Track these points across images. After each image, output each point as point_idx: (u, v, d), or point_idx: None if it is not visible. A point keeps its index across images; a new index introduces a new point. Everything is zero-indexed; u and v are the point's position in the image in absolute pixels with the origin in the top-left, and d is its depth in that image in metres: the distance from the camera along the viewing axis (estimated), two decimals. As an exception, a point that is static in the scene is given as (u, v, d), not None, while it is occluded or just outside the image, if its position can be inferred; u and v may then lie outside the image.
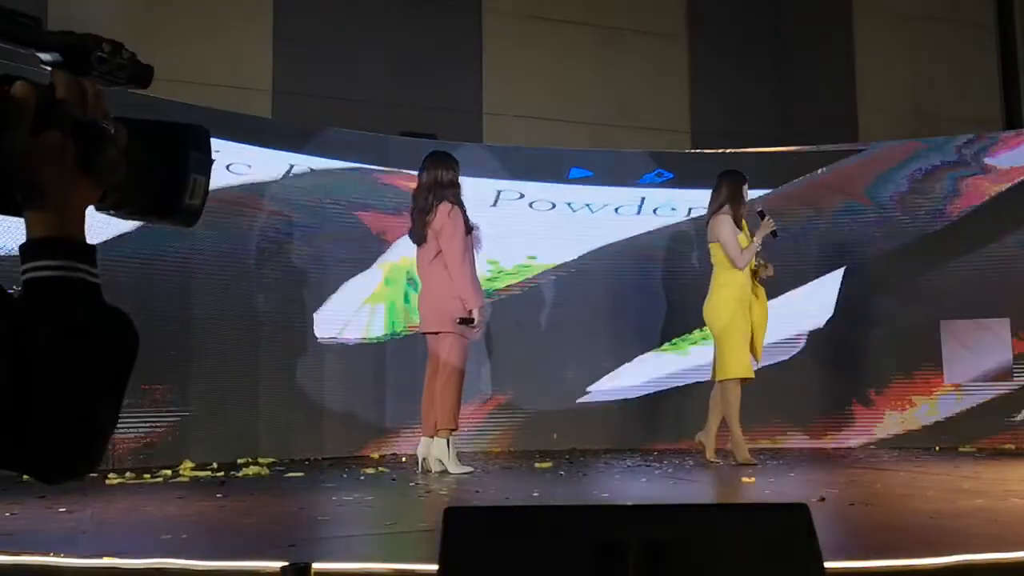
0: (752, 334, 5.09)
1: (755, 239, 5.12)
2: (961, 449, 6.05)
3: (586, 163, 7.36)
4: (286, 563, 1.71)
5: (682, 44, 8.63)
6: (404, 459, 5.79)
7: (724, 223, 5.12)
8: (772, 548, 1.47)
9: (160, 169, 0.93)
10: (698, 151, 7.74)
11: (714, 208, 5.25)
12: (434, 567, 1.55)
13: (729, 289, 5.10)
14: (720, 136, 8.24)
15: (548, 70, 8.28)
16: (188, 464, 5.01)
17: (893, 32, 8.41)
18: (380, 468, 5.15)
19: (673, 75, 8.60)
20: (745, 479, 4.36)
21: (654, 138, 8.21)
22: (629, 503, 1.66)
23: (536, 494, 3.85)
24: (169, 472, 4.78)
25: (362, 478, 4.68)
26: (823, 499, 3.44)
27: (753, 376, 5.08)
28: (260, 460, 5.33)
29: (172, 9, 6.99)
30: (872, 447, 6.31)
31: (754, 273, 5.19)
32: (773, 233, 5.16)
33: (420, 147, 6.55)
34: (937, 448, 6.13)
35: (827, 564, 1.51)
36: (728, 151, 7.27)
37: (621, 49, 8.47)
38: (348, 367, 6.31)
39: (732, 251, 5.08)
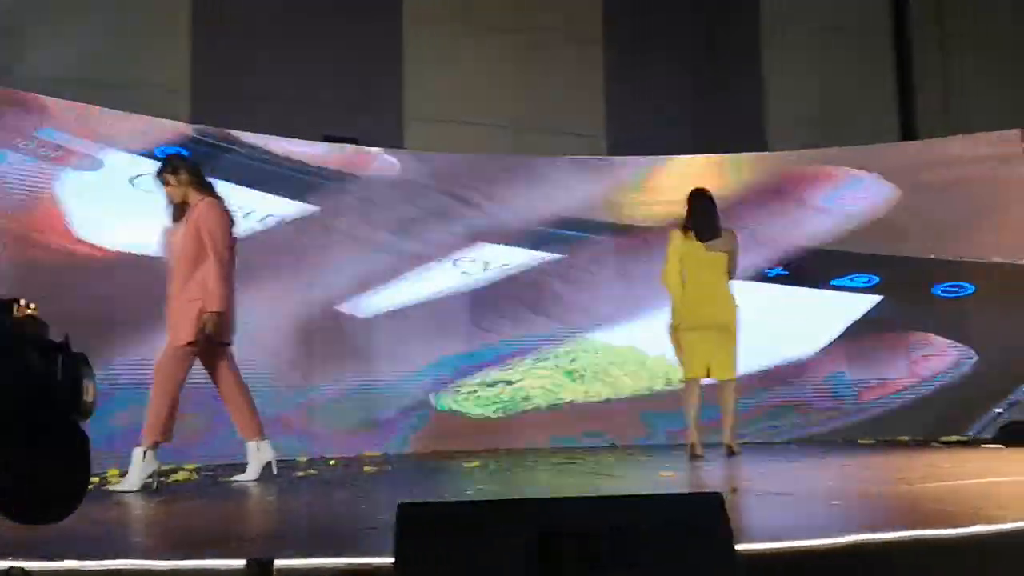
0: None
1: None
2: (860, 441, 6.46)
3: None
4: (249, 559, 1.83)
5: (599, 51, 8.87)
6: (332, 461, 5.90)
7: (736, 237, 5.58)
8: (692, 533, 1.68)
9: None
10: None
11: (719, 223, 5.56)
12: (390, 560, 1.71)
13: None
14: (636, 142, 8.52)
15: (469, 75, 8.41)
16: (113, 472, 4.99)
17: (799, 44, 8.76)
18: (309, 471, 5.23)
19: (591, 82, 8.83)
20: (664, 473, 4.61)
21: (573, 143, 8.44)
22: (565, 497, 1.84)
23: (470, 493, 4.02)
24: (97, 479, 4.77)
25: (295, 479, 4.76)
26: (735, 490, 3.69)
27: None
28: (186, 466, 5.33)
29: (92, 8, 6.92)
30: (785, 442, 6.64)
31: None
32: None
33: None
34: (840, 440, 6.55)
35: (738, 547, 1.72)
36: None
37: (541, 55, 8.65)
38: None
39: (738, 265, 5.59)
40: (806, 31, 8.77)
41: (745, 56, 8.82)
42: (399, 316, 6.81)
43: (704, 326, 5.41)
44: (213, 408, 4.94)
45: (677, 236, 5.56)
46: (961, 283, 6.85)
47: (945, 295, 6.86)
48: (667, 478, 4.45)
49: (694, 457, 5.25)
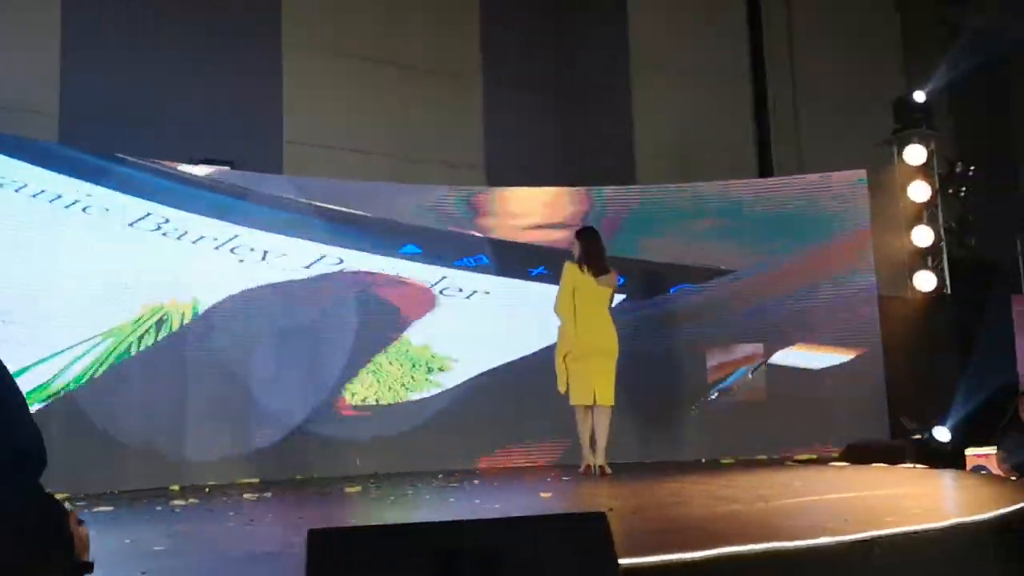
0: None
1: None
2: (722, 461, 6.86)
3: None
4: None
5: (477, 83, 9.12)
6: (207, 488, 5.86)
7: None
8: (581, 549, 1.88)
9: None
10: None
11: (606, 261, 5.95)
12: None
13: None
14: (512, 172, 8.80)
15: (349, 102, 8.51)
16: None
17: (663, 82, 9.26)
18: (190, 499, 5.20)
19: (469, 113, 9.07)
20: (543, 494, 4.83)
21: (451, 172, 8.65)
22: (466, 520, 2.00)
23: (353, 520, 4.12)
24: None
25: (177, 511, 4.74)
26: (611, 509, 3.93)
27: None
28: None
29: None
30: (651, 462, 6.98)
31: None
32: None
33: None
34: (703, 460, 6.93)
35: (620, 561, 1.93)
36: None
37: (420, 86, 8.84)
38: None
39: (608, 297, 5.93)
40: (668, 70, 9.25)
41: (614, 91, 9.23)
42: (275, 341, 6.81)
43: (591, 354, 5.76)
44: None
45: (573, 268, 5.89)
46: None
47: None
48: (547, 498, 4.67)
49: (588, 475, 5.71)
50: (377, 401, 7.05)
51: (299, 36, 8.30)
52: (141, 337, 6.37)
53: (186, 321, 6.57)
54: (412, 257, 7.34)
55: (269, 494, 5.45)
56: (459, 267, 7.41)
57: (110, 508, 4.83)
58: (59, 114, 7.23)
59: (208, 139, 7.62)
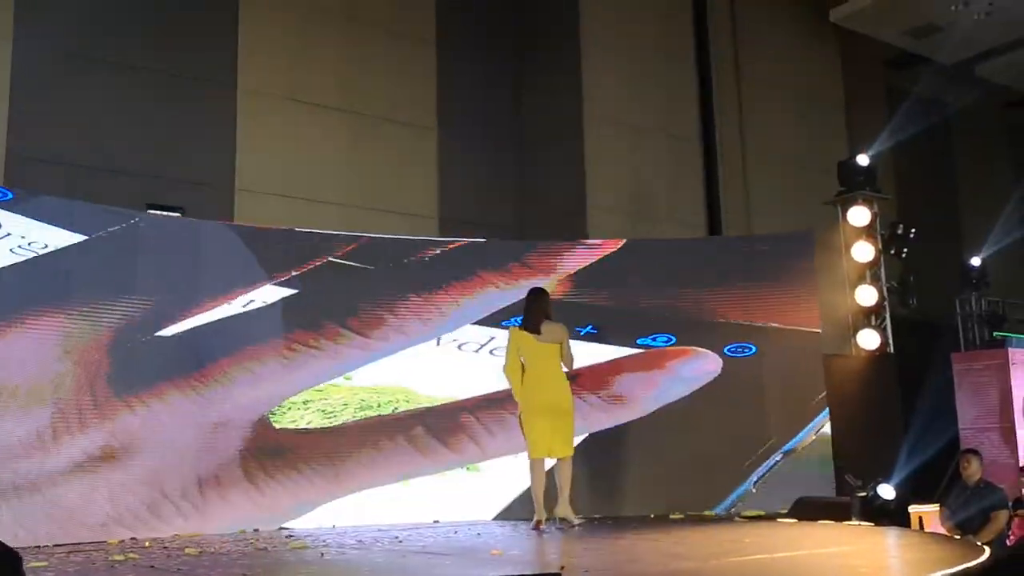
0: None
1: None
2: (671, 516, 6.86)
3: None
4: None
5: (432, 135, 9.18)
6: (147, 543, 5.69)
7: (567, 330, 6.06)
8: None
9: None
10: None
11: (544, 317, 6.03)
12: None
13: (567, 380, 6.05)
14: (465, 223, 8.83)
15: (302, 150, 8.49)
16: None
17: (616, 139, 9.42)
18: (129, 554, 5.04)
19: (423, 163, 9.10)
20: (493, 551, 4.76)
21: (403, 222, 8.64)
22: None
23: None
24: None
25: (115, 566, 4.59)
26: (563, 568, 3.88)
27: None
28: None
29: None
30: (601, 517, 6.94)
31: None
32: None
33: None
34: (652, 516, 6.92)
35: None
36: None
37: (373, 135, 8.87)
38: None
39: (572, 353, 6.03)
40: (620, 127, 9.42)
41: (567, 146, 9.35)
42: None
43: (543, 410, 5.90)
44: None
45: (513, 331, 6.14)
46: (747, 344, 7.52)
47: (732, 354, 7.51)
48: (497, 556, 4.60)
49: (539, 530, 5.73)
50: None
51: (255, 82, 8.28)
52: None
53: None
54: None
55: (213, 549, 5.30)
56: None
57: (43, 563, 4.65)
58: (4, 157, 7.09)
59: (158, 185, 7.54)
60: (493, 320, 7.33)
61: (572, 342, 6.14)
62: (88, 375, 6.20)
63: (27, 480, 5.85)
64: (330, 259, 7.18)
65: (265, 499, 6.60)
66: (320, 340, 6.97)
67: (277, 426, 6.84)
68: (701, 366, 7.42)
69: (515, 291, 7.21)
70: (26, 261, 6.09)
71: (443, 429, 7.12)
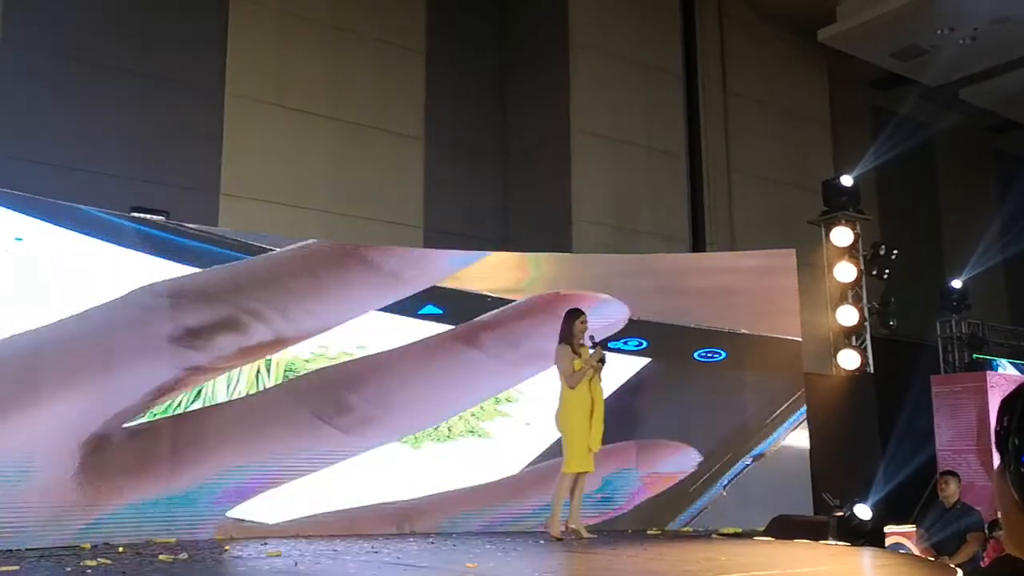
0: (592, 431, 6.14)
1: (584, 365, 6.17)
2: (649, 532, 6.86)
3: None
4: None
5: (418, 145, 9.19)
6: (121, 548, 5.64)
7: (561, 354, 6.22)
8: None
9: None
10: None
11: (558, 340, 6.26)
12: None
13: (570, 403, 6.16)
14: (449, 235, 8.84)
15: (288, 156, 8.49)
16: None
17: (602, 153, 9.45)
18: (100, 559, 5.00)
19: (409, 173, 9.11)
20: (469, 564, 4.75)
21: (387, 231, 8.63)
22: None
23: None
24: None
25: (88, 572, 4.55)
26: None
27: (592, 470, 6.16)
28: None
29: None
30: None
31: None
32: (601, 360, 6.22)
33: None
34: (629, 531, 6.92)
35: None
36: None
37: (360, 144, 8.87)
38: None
39: (564, 377, 6.18)
40: (606, 141, 9.45)
41: (553, 160, 9.37)
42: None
43: None
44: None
45: None
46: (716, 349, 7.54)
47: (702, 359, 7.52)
48: (472, 569, 4.59)
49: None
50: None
51: (243, 87, 8.28)
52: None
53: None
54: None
55: (186, 554, 5.27)
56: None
57: (14, 567, 4.61)
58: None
59: (143, 187, 7.51)
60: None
61: None
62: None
63: None
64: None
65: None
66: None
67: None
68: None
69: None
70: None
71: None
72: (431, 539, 6.25)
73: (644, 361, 7.51)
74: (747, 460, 7.37)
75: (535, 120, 9.55)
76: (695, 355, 7.51)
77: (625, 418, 7.24)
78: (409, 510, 6.93)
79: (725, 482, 7.30)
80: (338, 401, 6.88)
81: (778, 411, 7.47)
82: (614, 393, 7.17)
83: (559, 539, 5.99)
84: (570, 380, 6.18)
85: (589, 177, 9.28)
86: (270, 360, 6.83)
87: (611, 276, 7.72)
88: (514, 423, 7.30)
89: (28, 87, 7.25)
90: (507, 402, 7.33)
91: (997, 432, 1.09)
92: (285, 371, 6.87)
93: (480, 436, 7.26)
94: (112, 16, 7.70)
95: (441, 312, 7.31)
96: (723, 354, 7.51)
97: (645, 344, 7.50)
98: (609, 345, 7.31)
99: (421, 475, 7.02)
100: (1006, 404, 1.08)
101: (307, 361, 6.94)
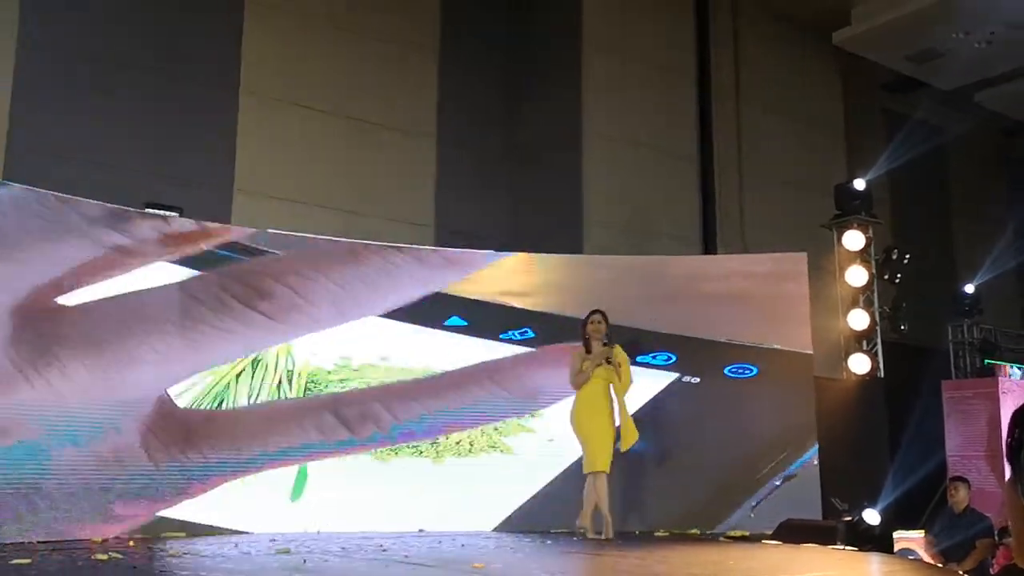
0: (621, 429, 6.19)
1: (589, 366, 6.23)
2: (656, 534, 6.86)
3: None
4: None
5: (431, 144, 9.21)
6: (131, 542, 5.67)
7: (571, 355, 6.36)
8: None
9: None
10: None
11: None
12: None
13: (578, 403, 6.26)
14: (461, 234, 8.85)
15: (302, 154, 8.53)
16: None
17: (614, 154, 9.45)
18: (111, 553, 5.03)
19: (421, 172, 9.13)
20: (476, 564, 4.76)
21: (400, 229, 8.65)
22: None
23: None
24: None
25: (98, 565, 4.58)
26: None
27: (607, 469, 6.16)
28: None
29: None
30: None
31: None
32: (607, 359, 6.23)
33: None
34: (637, 532, 6.92)
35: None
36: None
37: (373, 142, 8.89)
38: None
39: (569, 378, 6.32)
40: (618, 143, 9.45)
41: (565, 161, 9.38)
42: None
43: None
44: None
45: None
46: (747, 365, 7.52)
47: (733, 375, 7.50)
48: (479, 569, 4.60)
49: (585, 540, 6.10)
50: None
51: (257, 84, 8.32)
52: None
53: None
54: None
55: (196, 551, 5.29)
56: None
57: (26, 560, 4.64)
58: (5, 151, 7.11)
59: (157, 183, 7.55)
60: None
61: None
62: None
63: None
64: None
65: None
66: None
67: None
68: None
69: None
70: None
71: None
72: (440, 540, 6.26)
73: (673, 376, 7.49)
74: (776, 481, 7.32)
75: (548, 121, 9.55)
76: (726, 371, 7.48)
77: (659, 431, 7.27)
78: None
79: (753, 503, 7.26)
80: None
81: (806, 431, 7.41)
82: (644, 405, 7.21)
83: (593, 538, 6.11)
84: (572, 380, 6.27)
85: (601, 178, 9.28)
86: (292, 371, 6.86)
87: (620, 278, 7.70)
88: (537, 439, 7.29)
89: (45, 84, 7.30)
90: (531, 418, 7.32)
91: (1009, 444, 1.09)
92: (307, 383, 6.90)
93: (503, 452, 7.27)
94: (128, 14, 7.75)
95: (466, 324, 7.32)
96: (754, 370, 7.48)
97: (674, 359, 7.49)
98: (637, 360, 7.26)
99: (443, 490, 7.05)
100: (1018, 416, 1.08)
101: (329, 373, 6.96)
